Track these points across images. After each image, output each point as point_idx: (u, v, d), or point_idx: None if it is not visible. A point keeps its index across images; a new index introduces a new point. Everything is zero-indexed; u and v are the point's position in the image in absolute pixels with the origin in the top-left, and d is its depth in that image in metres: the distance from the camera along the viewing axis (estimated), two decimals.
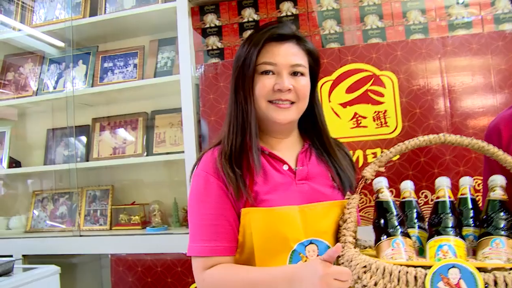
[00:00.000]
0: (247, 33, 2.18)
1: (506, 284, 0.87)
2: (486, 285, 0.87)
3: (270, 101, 1.16)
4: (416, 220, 1.14)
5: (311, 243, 1.08)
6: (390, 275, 0.93)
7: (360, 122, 1.95)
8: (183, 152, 2.18)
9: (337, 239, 1.10)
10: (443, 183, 1.11)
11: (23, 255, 2.42)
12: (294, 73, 1.17)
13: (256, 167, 1.12)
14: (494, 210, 1.05)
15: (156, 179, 2.61)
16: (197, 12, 2.27)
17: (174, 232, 2.27)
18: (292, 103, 1.16)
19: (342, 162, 1.22)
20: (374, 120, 1.94)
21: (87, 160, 2.61)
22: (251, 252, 1.10)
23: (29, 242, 2.45)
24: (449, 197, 1.08)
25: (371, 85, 1.95)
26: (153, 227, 2.35)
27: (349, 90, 1.97)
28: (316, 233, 1.09)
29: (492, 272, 0.89)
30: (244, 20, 2.21)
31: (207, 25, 2.25)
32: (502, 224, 1.02)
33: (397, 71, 1.94)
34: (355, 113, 1.95)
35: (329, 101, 1.98)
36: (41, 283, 2.13)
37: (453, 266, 0.89)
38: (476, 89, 1.89)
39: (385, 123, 1.93)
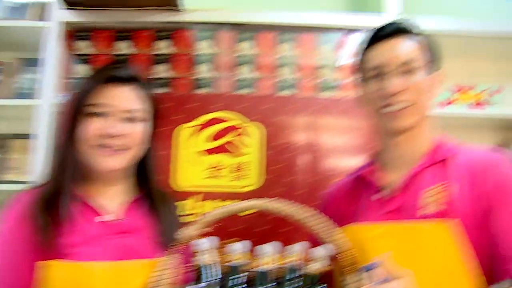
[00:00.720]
0: None
1: None
2: None
3: (96, 145, 1.06)
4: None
5: None
6: None
7: (217, 173, 1.90)
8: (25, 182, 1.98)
9: None
10: (266, 250, 1.07)
11: None
12: (128, 119, 1.08)
13: (61, 216, 1.01)
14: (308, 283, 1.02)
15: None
16: (71, 36, 2.13)
17: None
18: (122, 150, 1.08)
19: (168, 217, 1.15)
20: (232, 172, 1.90)
21: None
22: None
23: None
24: (267, 266, 1.04)
25: (234, 135, 1.92)
26: None
27: (212, 138, 1.92)
28: None
29: None
30: (118, 53, 2.11)
31: (80, 52, 2.11)
32: None
33: (265, 123, 1.94)
34: (214, 163, 1.90)
35: (187, 148, 1.91)
36: None
37: None
38: (338, 150, 1.93)
39: (243, 175, 1.89)
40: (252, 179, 1.89)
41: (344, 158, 1.91)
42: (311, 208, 1.04)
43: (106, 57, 2.11)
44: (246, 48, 2.09)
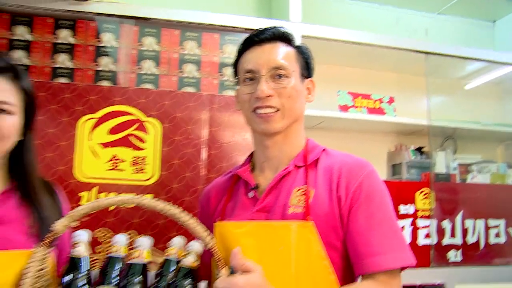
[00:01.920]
0: (18, 53, 2.03)
1: None
2: None
3: None
4: (113, 279, 1.12)
5: None
6: None
7: (118, 165, 1.92)
8: None
9: None
10: (142, 243, 1.12)
11: None
12: None
13: None
14: (180, 275, 1.08)
15: None
16: (7, 20, 2.05)
17: None
18: None
19: (45, 208, 1.16)
20: (132, 165, 1.93)
21: None
22: None
23: None
24: (144, 258, 1.09)
25: (134, 129, 1.95)
26: None
27: (112, 131, 1.94)
28: None
29: None
30: (15, 38, 2.05)
31: (16, 38, 2.04)
32: None
33: (163, 119, 1.98)
34: (114, 155, 1.92)
35: (90, 139, 1.91)
36: None
37: None
38: (236, 147, 2.01)
39: (142, 169, 1.93)
40: (149, 174, 1.93)
41: (240, 155, 1.98)
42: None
43: (1, 41, 2.06)
44: (150, 43, 2.12)
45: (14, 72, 1.13)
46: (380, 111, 2.39)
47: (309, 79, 1.25)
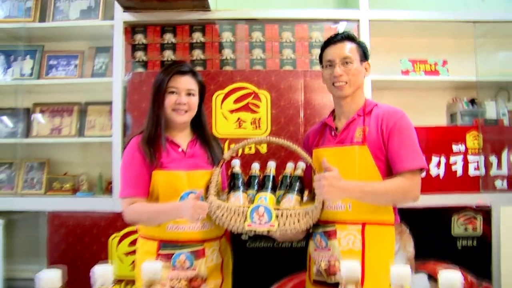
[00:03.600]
0: (166, 52, 2.94)
1: (288, 216, 1.70)
2: (277, 215, 1.70)
3: (173, 110, 1.92)
4: (255, 185, 1.94)
5: (191, 192, 1.85)
6: (230, 210, 1.73)
7: (241, 125, 2.77)
8: (111, 136, 2.89)
9: (206, 191, 1.88)
10: (270, 165, 1.94)
11: None
12: (188, 94, 1.94)
13: (162, 147, 1.88)
14: (293, 180, 1.89)
15: (85, 156, 3.29)
16: (129, 30, 2.98)
17: (98, 197, 2.98)
18: (186, 111, 1.94)
19: (215, 149, 2.02)
20: (251, 124, 2.76)
21: (27, 137, 3.21)
22: (157, 197, 1.86)
23: None
24: (272, 173, 1.91)
25: (251, 99, 2.78)
26: (82, 191, 3.04)
27: (236, 101, 2.78)
28: (195, 187, 1.86)
29: (281, 210, 1.72)
30: (164, 42, 2.96)
31: (136, 42, 2.97)
32: (296, 188, 1.86)
33: (271, 91, 2.78)
34: (239, 118, 2.77)
35: (221, 108, 2.78)
36: None
37: (261, 206, 1.72)
38: (323, 107, 2.77)
39: (259, 127, 2.76)
40: (263, 129, 2.76)
41: (326, 112, 2.75)
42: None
43: (155, 45, 2.96)
44: (257, 36, 2.94)
45: (192, 72, 1.98)
46: (435, 73, 3.02)
47: (366, 61, 1.98)
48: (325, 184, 1.68)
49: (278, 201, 1.83)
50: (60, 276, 0.87)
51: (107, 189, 3.10)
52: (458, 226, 2.79)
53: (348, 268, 0.90)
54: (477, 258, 2.80)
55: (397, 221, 1.86)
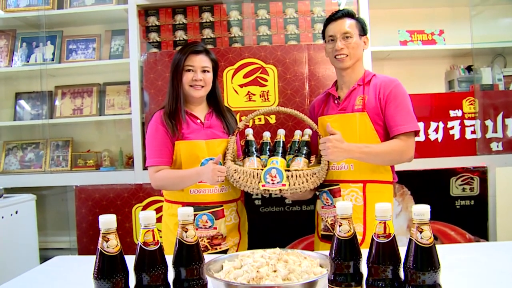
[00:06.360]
0: (178, 33, 3.13)
1: (297, 176, 1.92)
2: (287, 176, 1.92)
3: (191, 86, 2.12)
4: (267, 151, 2.15)
5: (210, 158, 2.07)
6: (246, 173, 1.95)
7: (251, 98, 2.97)
8: (129, 114, 3.11)
9: (224, 157, 2.10)
10: (280, 132, 2.15)
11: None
12: (204, 71, 2.14)
13: (183, 120, 2.10)
14: (301, 145, 2.10)
15: (106, 134, 3.52)
16: (143, 13, 3.17)
17: (120, 170, 3.22)
18: (202, 87, 2.14)
19: (229, 119, 2.22)
20: (260, 97, 2.96)
21: (51, 118, 3.44)
22: (180, 164, 2.08)
23: (5, 178, 3.29)
24: (282, 139, 2.12)
25: (259, 73, 2.97)
26: (105, 166, 3.27)
27: (245, 76, 2.98)
28: (213, 154, 2.07)
29: (291, 171, 1.94)
30: (176, 23, 3.15)
31: (150, 24, 3.16)
32: (304, 152, 2.07)
33: (277, 65, 2.97)
34: (248, 91, 2.97)
35: (232, 83, 2.98)
36: (22, 207, 3.00)
37: (273, 168, 1.93)
38: (327, 78, 2.96)
39: (267, 99, 2.96)
40: (272, 101, 2.96)
41: (329, 83, 2.94)
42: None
43: (167, 26, 3.15)
44: (263, 13, 3.12)
45: (206, 50, 2.17)
46: (432, 42, 3.19)
47: (364, 36, 2.16)
48: (330, 145, 1.89)
49: (288, 165, 2.03)
50: (115, 219, 1.08)
51: (128, 163, 3.33)
52: (456, 187, 2.98)
53: (341, 206, 1.11)
54: (474, 217, 3.00)
55: (395, 179, 2.06)
